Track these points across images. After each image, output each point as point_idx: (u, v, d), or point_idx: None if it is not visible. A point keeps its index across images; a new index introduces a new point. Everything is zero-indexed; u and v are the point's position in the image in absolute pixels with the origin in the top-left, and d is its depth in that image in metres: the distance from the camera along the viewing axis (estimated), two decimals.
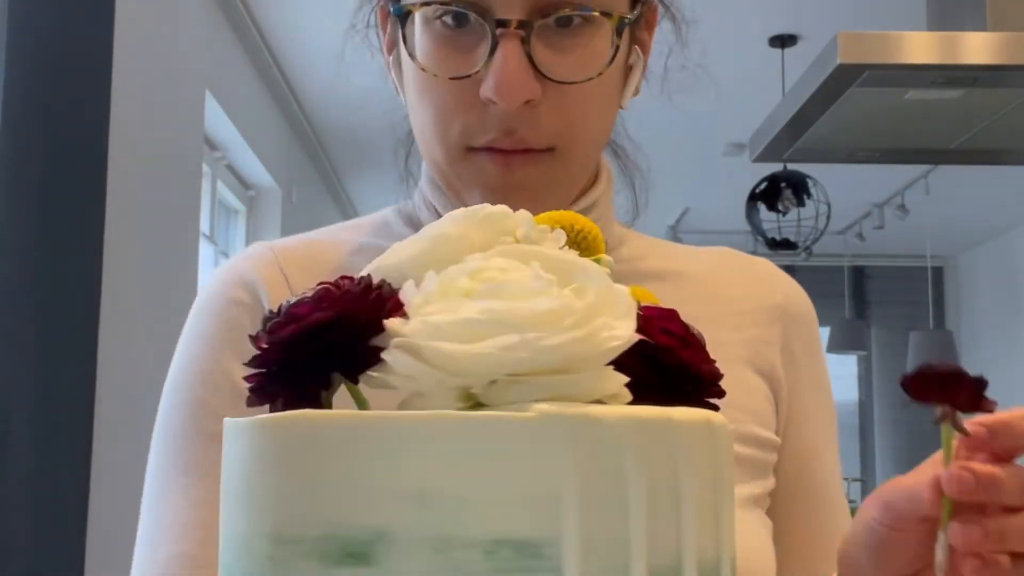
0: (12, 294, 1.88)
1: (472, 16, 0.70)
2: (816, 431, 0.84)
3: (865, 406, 7.22)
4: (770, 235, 4.56)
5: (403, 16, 0.72)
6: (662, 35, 0.84)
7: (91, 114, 2.13)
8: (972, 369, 0.47)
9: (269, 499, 0.35)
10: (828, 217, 4.47)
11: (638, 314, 0.39)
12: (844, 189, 4.82)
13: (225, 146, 3.89)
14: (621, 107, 0.80)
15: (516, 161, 0.71)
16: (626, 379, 0.38)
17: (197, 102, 3.13)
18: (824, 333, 6.35)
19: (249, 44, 3.82)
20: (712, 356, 0.43)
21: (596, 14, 0.71)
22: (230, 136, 3.77)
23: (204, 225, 3.50)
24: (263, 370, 0.40)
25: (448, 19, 0.71)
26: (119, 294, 2.25)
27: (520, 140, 0.71)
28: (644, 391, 0.40)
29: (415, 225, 0.81)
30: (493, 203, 0.61)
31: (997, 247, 6.71)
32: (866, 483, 6.81)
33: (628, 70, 0.79)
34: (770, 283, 0.86)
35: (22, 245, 1.91)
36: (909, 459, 7.09)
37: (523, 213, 0.45)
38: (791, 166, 4.23)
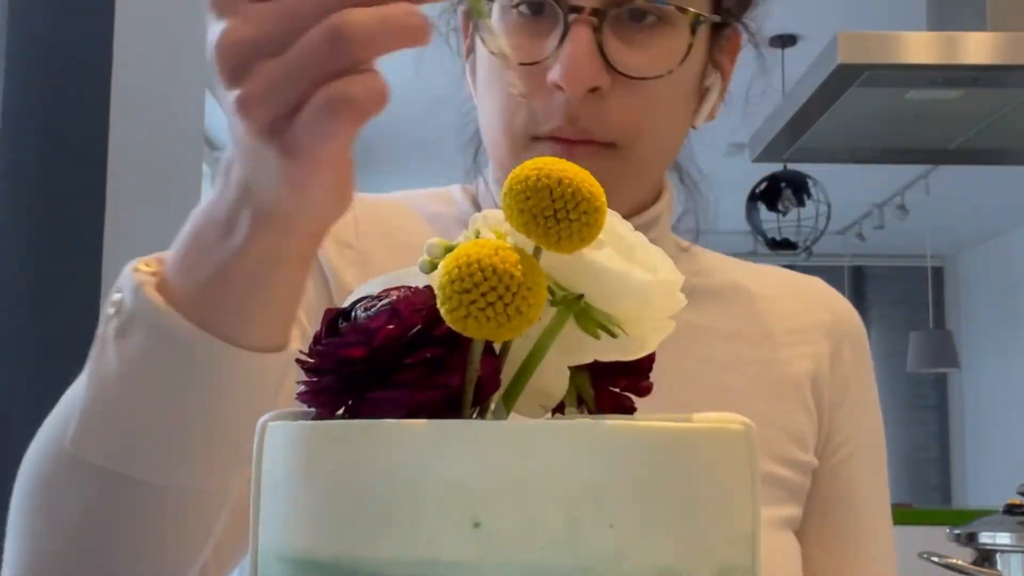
0: (12, 294, 1.88)
1: (547, 3, 0.69)
2: (858, 451, 0.82)
3: None
4: (770, 235, 4.56)
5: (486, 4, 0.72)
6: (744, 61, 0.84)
7: (91, 114, 2.13)
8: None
9: None
10: (828, 217, 4.47)
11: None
12: (844, 189, 4.81)
13: (225, 146, 3.89)
14: (693, 127, 0.79)
15: (578, 152, 0.70)
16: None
17: (197, 102, 3.12)
18: None
19: None
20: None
21: (671, 8, 0.70)
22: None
23: None
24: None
25: (524, 7, 0.71)
26: None
27: (583, 130, 0.70)
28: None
29: (478, 209, 0.80)
30: None
31: (997, 247, 6.71)
32: None
33: (704, 91, 0.78)
34: (822, 301, 0.86)
35: (22, 245, 1.91)
36: (909, 459, 7.09)
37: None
38: (791, 166, 4.22)
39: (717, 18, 0.75)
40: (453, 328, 0.35)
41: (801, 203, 4.38)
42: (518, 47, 0.70)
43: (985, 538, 1.70)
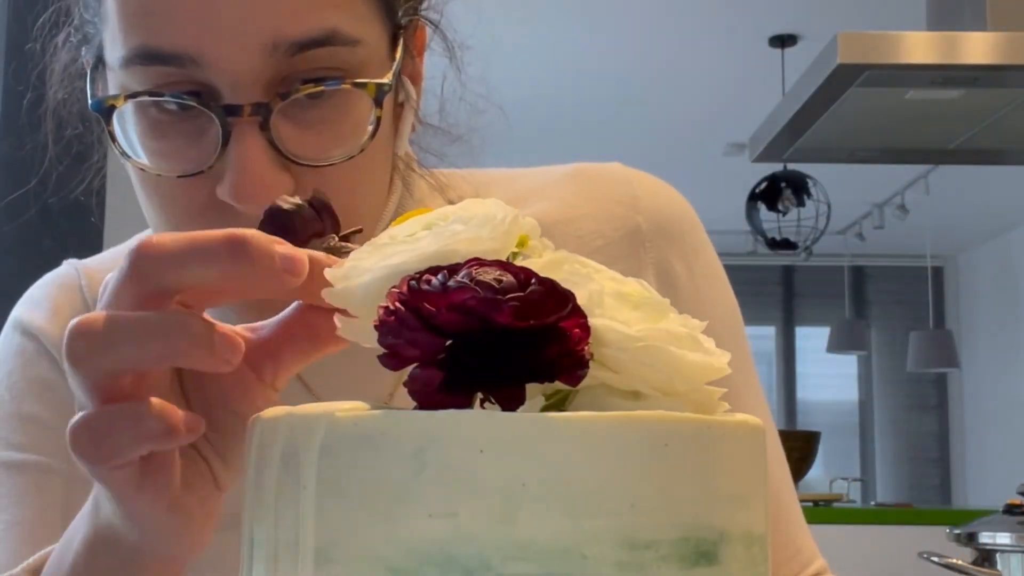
0: (12, 294, 1.89)
1: (195, 103, 0.57)
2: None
3: (865, 406, 7.22)
4: (770, 235, 4.56)
5: (105, 111, 0.60)
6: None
7: (91, 114, 2.13)
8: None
9: (623, 503, 0.34)
10: (828, 217, 4.47)
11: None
12: (844, 189, 4.82)
13: None
14: (396, 153, 0.67)
15: None
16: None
17: None
18: (824, 333, 6.35)
19: None
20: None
21: (346, 87, 0.58)
22: None
23: None
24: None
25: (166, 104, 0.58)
26: None
27: None
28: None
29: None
30: (240, 316, 0.57)
31: (997, 247, 6.72)
32: (866, 483, 6.81)
33: (399, 109, 0.66)
34: (627, 202, 0.74)
35: (22, 245, 1.91)
36: (909, 459, 7.09)
37: (530, 221, 0.41)
38: (791, 166, 4.23)
39: (388, 82, 0.60)
40: None
41: (801, 203, 4.38)
42: (169, 153, 0.59)
43: (985, 538, 1.70)
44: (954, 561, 1.68)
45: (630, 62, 4.15)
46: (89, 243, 2.13)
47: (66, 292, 0.76)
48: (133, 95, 0.58)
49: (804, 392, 7.16)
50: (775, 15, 3.82)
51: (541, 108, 4.50)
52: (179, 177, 0.59)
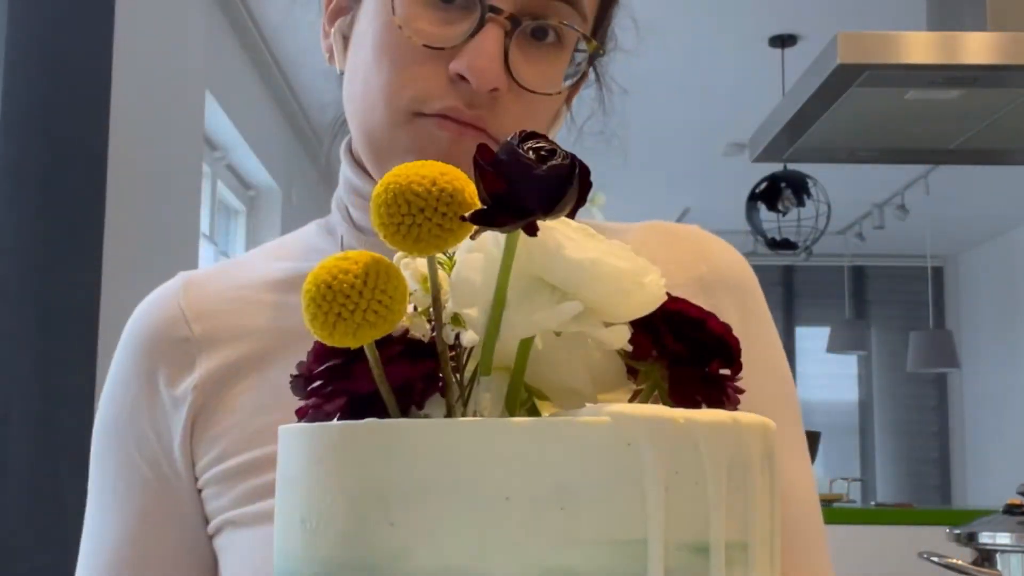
0: (12, 294, 1.89)
1: None
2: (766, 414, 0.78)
3: (865, 406, 7.22)
4: (770, 235, 4.56)
5: None
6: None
7: (91, 114, 2.13)
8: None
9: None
10: (828, 217, 4.47)
11: None
12: (844, 189, 4.82)
13: (225, 146, 3.89)
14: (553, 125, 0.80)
15: (469, 135, 0.69)
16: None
17: (197, 102, 3.12)
18: (824, 333, 6.35)
19: (249, 44, 3.82)
20: None
21: (574, 33, 0.72)
22: (230, 136, 3.77)
23: (204, 225, 3.50)
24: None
25: None
26: (119, 294, 2.25)
27: (479, 117, 0.69)
28: (675, 360, 0.42)
29: (335, 236, 0.80)
30: None
31: (997, 247, 6.72)
32: (866, 483, 6.81)
33: (574, 90, 0.80)
34: (696, 253, 0.80)
35: (22, 245, 1.91)
36: (909, 459, 7.09)
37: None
38: (791, 166, 4.23)
39: (601, 50, 0.77)
40: (320, 340, 0.39)
41: (801, 203, 4.38)
42: (421, 30, 0.69)
43: (985, 538, 1.70)
44: (954, 561, 1.68)
45: (630, 62, 4.15)
46: (89, 243, 2.13)
47: (163, 302, 0.80)
48: None
49: (804, 392, 7.16)
50: (775, 15, 3.82)
51: None
52: (424, 46, 0.69)
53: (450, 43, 0.68)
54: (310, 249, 0.80)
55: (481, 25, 0.68)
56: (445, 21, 0.69)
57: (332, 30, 0.77)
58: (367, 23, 0.73)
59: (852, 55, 2.08)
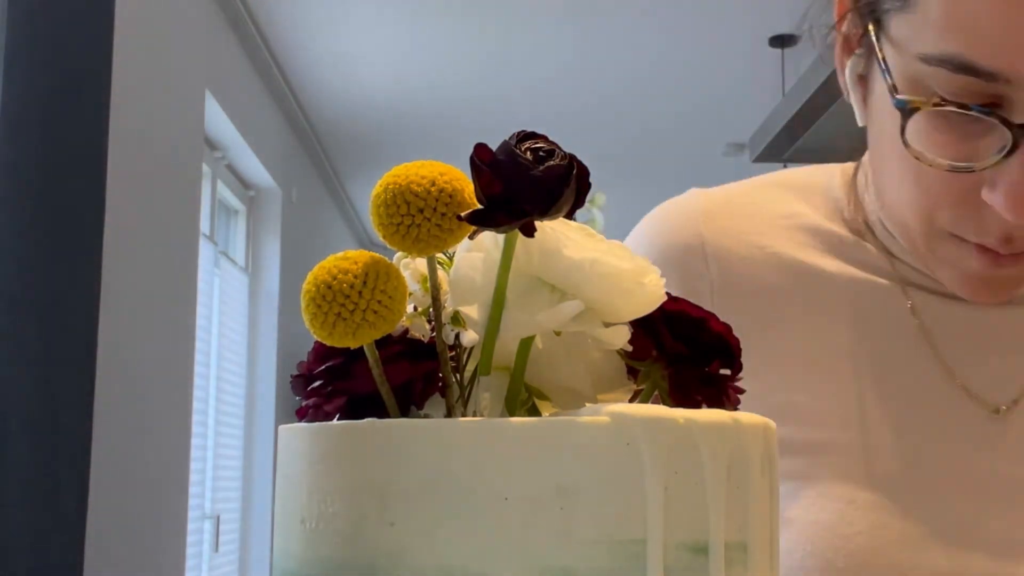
0: (12, 294, 1.89)
1: (996, 117, 0.61)
2: None
3: None
4: None
5: (907, 112, 0.64)
6: None
7: (91, 114, 2.13)
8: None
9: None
10: None
11: None
12: None
13: (225, 146, 3.89)
14: None
15: (1006, 261, 0.67)
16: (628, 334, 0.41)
17: (197, 102, 3.13)
18: None
19: (249, 44, 3.82)
20: None
21: None
22: (230, 136, 3.77)
23: (204, 225, 3.50)
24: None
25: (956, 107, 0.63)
26: (119, 294, 2.25)
27: (1017, 246, 0.66)
28: (675, 360, 0.42)
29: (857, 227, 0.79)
30: (968, 291, 0.70)
31: None
32: None
33: None
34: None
35: (22, 245, 1.91)
36: None
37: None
38: (791, 166, 4.23)
39: None
40: (320, 339, 0.39)
41: None
42: (944, 145, 0.63)
43: None
44: None
45: (630, 62, 4.15)
46: (89, 243, 2.12)
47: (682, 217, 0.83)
48: (938, 103, 0.62)
49: None
50: (775, 15, 3.82)
51: (540, 108, 4.51)
52: (949, 170, 0.63)
53: (980, 164, 0.62)
54: (828, 196, 0.84)
55: (1014, 148, 0.61)
56: (968, 136, 0.63)
57: (847, 66, 0.73)
58: (880, 100, 0.69)
59: None
